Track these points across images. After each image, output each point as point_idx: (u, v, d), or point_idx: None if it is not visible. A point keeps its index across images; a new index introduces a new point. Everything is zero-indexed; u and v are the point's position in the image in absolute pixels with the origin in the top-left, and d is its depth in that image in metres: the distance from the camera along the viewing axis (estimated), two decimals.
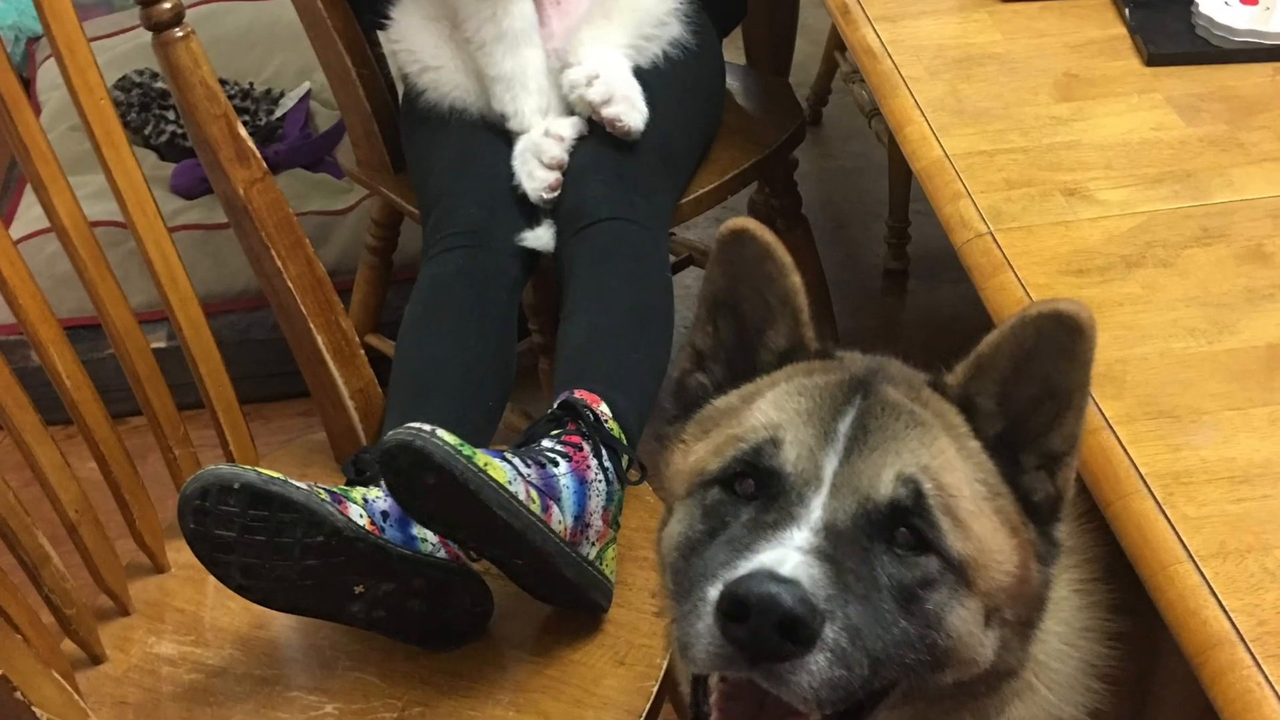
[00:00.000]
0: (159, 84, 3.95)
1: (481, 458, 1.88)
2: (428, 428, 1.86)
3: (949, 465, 1.38)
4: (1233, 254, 1.78)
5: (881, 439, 1.37)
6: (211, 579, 2.07)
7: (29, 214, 3.69)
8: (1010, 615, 1.41)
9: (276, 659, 2.09)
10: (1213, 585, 1.34)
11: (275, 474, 1.87)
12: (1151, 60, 2.13)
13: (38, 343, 2.02)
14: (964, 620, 1.36)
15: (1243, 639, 1.30)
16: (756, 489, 1.39)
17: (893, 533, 1.34)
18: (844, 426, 1.38)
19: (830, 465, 1.36)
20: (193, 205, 3.78)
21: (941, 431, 1.40)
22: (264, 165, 2.18)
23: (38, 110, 4.14)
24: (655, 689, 1.97)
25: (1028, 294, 1.73)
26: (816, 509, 1.33)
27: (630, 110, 2.58)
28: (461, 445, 1.87)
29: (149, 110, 3.95)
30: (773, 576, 1.24)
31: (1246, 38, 2.11)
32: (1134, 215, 1.85)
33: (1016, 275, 1.76)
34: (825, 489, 1.35)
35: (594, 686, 1.99)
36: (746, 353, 1.52)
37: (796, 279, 1.46)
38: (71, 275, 2.09)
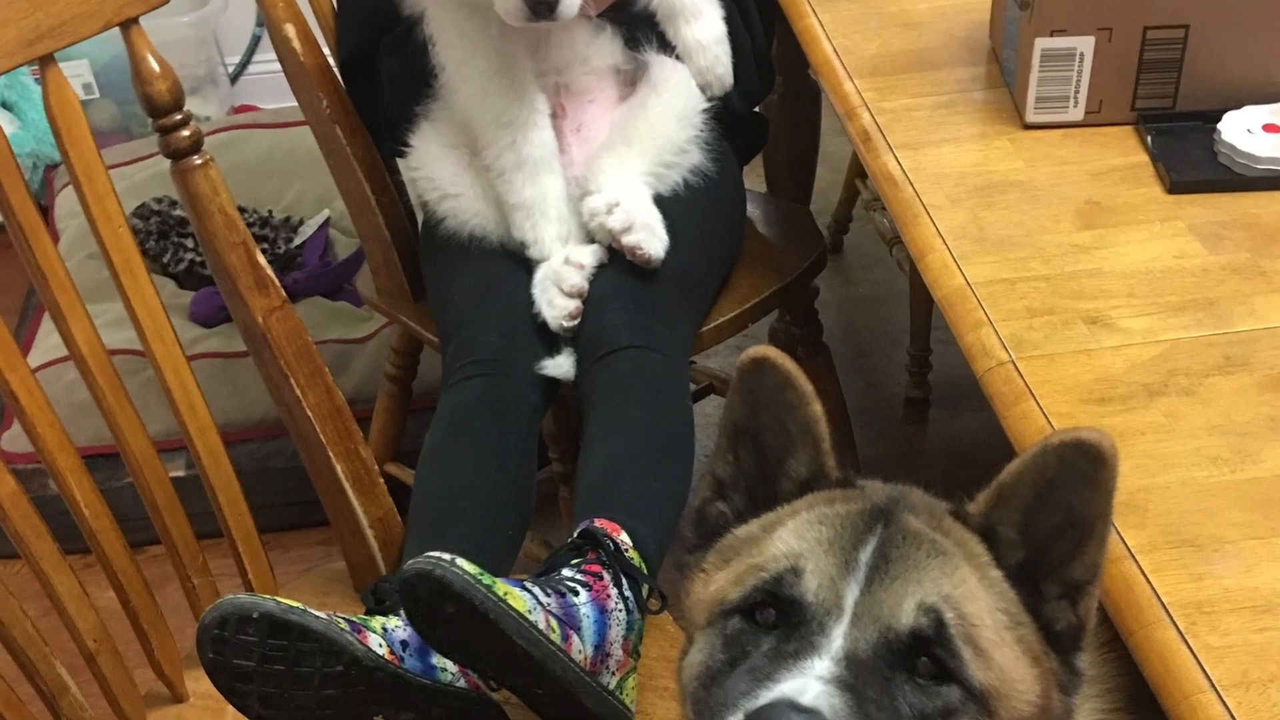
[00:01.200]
0: (178, 211, 3.99)
1: (501, 587, 1.90)
2: (447, 557, 1.88)
3: (971, 594, 1.39)
4: (1255, 382, 1.79)
5: (903, 568, 1.38)
6: (230, 709, 2.10)
7: (47, 342, 3.73)
8: None
9: None
10: (1235, 715, 1.36)
11: (294, 603, 1.89)
12: (1174, 188, 2.15)
13: (56, 471, 2.04)
14: None
15: None
16: (778, 618, 1.39)
17: (914, 662, 1.35)
18: (865, 555, 1.39)
19: (851, 594, 1.37)
20: (211, 333, 3.82)
21: (963, 560, 1.41)
22: (283, 293, 2.21)
23: (56, 238, 4.16)
24: None
25: (1050, 423, 1.74)
26: (838, 638, 1.34)
27: (651, 238, 2.60)
28: (481, 574, 1.89)
29: (168, 238, 4.00)
30: (793, 706, 1.25)
31: (1269, 165, 2.13)
32: (1156, 343, 1.87)
33: (1038, 404, 1.77)
34: (846, 618, 1.35)
35: None
36: (767, 481, 1.53)
37: (817, 407, 1.47)
38: (90, 403, 2.11)
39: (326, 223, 4.25)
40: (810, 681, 1.28)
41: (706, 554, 1.55)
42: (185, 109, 2.10)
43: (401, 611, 2.00)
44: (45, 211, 4.44)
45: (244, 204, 4.03)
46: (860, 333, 4.30)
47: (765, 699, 1.27)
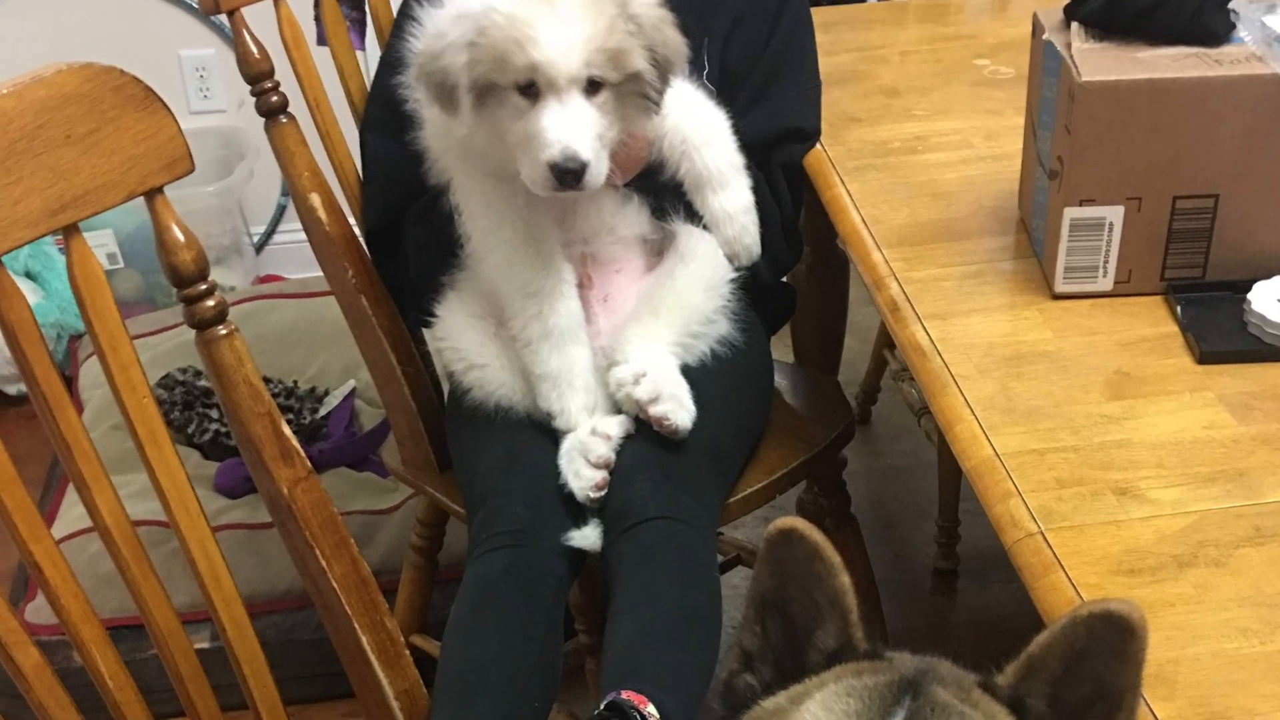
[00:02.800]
0: (202, 381, 4.04)
1: None
2: None
3: None
4: None
5: None
6: None
7: (71, 513, 3.76)
8: None
9: None
10: None
11: None
12: (1203, 358, 2.18)
13: (80, 643, 2.05)
14: None
15: None
16: None
17: None
18: None
19: None
20: (236, 504, 3.86)
21: None
22: (308, 464, 2.22)
23: (80, 408, 4.24)
24: None
25: (1079, 594, 1.76)
26: None
27: (678, 409, 2.63)
28: None
29: (192, 408, 4.05)
30: None
31: None
32: (1186, 514, 1.89)
33: (1067, 575, 1.80)
34: None
35: None
36: (795, 653, 1.51)
37: (845, 579, 1.47)
38: (114, 574, 2.12)
39: (352, 393, 4.30)
40: None
41: None
42: (210, 279, 2.11)
43: None
44: (70, 381, 4.51)
45: (269, 374, 4.09)
46: (888, 504, 4.33)
47: None
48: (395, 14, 3.06)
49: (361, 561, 2.26)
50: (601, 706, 2.24)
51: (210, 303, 2.09)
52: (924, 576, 3.98)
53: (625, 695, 2.23)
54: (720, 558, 3.28)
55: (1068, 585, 1.79)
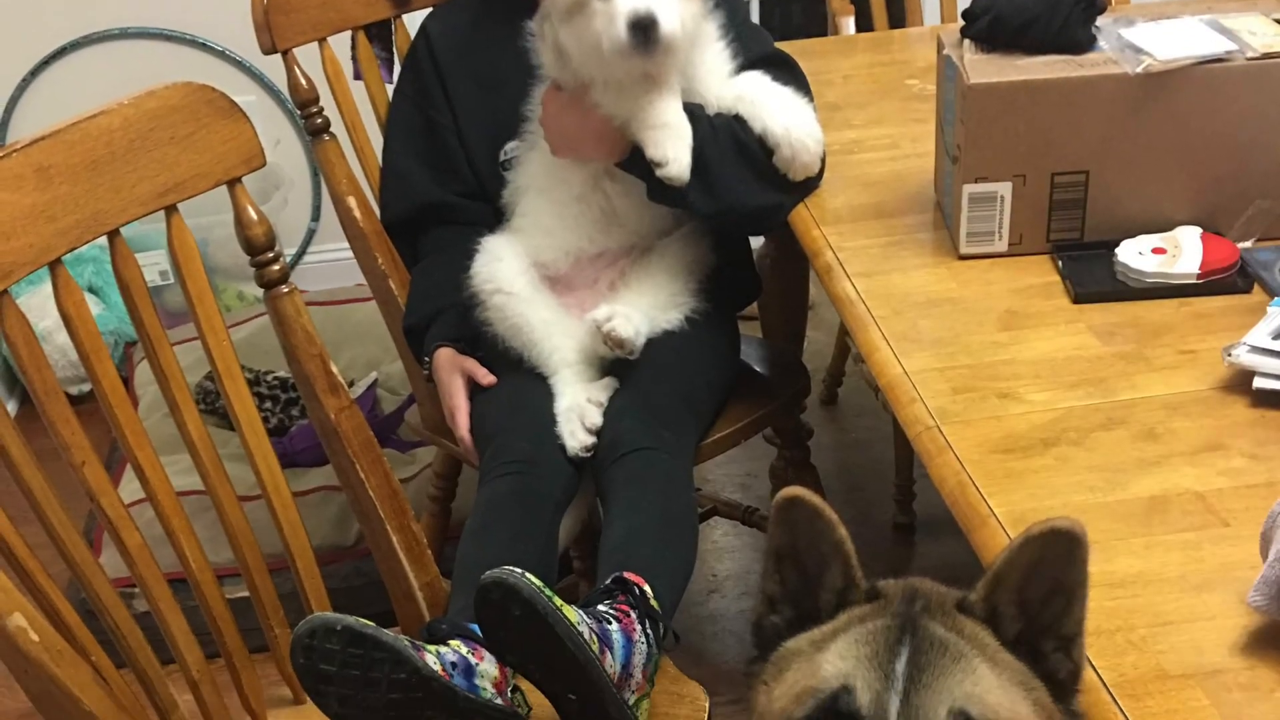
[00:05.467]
0: (248, 375, 4.27)
1: (558, 600, 2.18)
2: (518, 570, 2.17)
3: (990, 687, 1.51)
4: (1130, 435, 2.09)
5: (932, 676, 1.50)
6: None
7: (128, 488, 3.79)
8: None
9: None
10: (1089, 655, 1.64)
11: (369, 622, 2.16)
12: (1078, 299, 2.47)
13: (145, 587, 2.32)
14: None
15: (1108, 687, 1.64)
16: None
17: None
18: (900, 666, 1.51)
19: (894, 706, 1.48)
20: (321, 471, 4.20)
21: (977, 656, 1.54)
22: (351, 395, 2.50)
23: (135, 403, 4.49)
24: None
25: (964, 468, 2.04)
26: None
27: (625, 324, 2.90)
28: (544, 587, 2.17)
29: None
30: None
31: (1155, 279, 2.45)
32: (1054, 410, 2.16)
33: (956, 455, 2.08)
34: None
35: None
36: (809, 594, 1.65)
37: (843, 531, 1.60)
38: (163, 537, 2.37)
39: (375, 383, 4.58)
40: None
41: (764, 666, 1.67)
42: (276, 248, 2.45)
43: (450, 643, 2.29)
44: (126, 381, 4.79)
45: None
46: (853, 471, 4.62)
47: None
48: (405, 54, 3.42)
49: (393, 476, 2.55)
50: (607, 581, 2.49)
51: (276, 267, 2.44)
52: (885, 532, 4.27)
53: (626, 574, 2.48)
54: (700, 509, 3.59)
55: (955, 462, 2.07)
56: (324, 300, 5.11)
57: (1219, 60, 2.52)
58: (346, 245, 3.41)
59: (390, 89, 3.45)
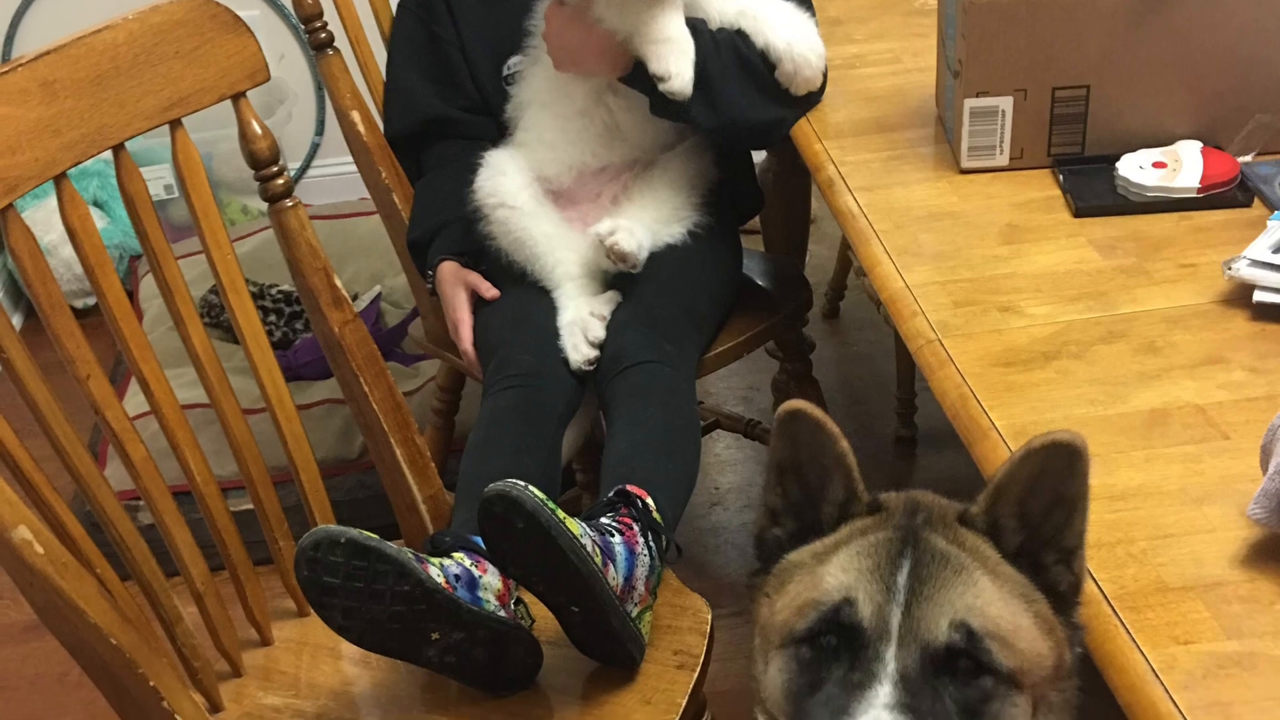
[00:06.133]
0: (252, 288, 4.25)
1: (561, 513, 2.18)
2: (521, 483, 2.16)
3: (991, 599, 1.53)
4: (1130, 348, 2.08)
5: (933, 589, 1.52)
6: (308, 647, 2.41)
7: (133, 401, 3.99)
8: (1053, 697, 1.58)
9: (363, 706, 2.36)
10: (1089, 568, 1.65)
11: (373, 535, 2.16)
12: (1078, 213, 2.46)
13: (150, 500, 2.31)
14: (1015, 717, 1.52)
15: (1109, 600, 1.64)
16: (839, 642, 1.53)
17: (953, 665, 1.49)
18: (902, 578, 1.52)
19: (895, 618, 1.50)
20: (326, 384, 4.19)
21: (978, 568, 1.55)
22: (355, 309, 2.49)
23: (140, 316, 4.55)
24: None
25: (965, 380, 2.03)
26: (890, 661, 1.48)
27: (628, 238, 2.91)
28: (547, 500, 2.17)
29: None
30: None
31: (1155, 193, 2.44)
32: (1054, 324, 2.16)
33: (957, 368, 2.07)
34: (894, 641, 1.49)
35: None
36: (811, 507, 1.67)
37: (845, 444, 1.62)
38: (168, 450, 2.36)
39: (378, 297, 4.57)
40: (879, 713, 1.43)
41: (767, 578, 1.69)
42: (280, 162, 2.42)
43: (453, 555, 2.29)
44: (131, 295, 4.81)
45: None
46: (855, 384, 4.62)
47: None
48: None
49: (396, 389, 2.54)
50: (611, 494, 2.48)
51: (280, 181, 2.41)
52: (887, 445, 4.27)
53: (629, 487, 2.48)
54: (702, 423, 3.57)
55: (957, 375, 2.06)
56: (328, 214, 5.09)
57: None
58: (350, 159, 3.39)
59: (394, 3, 3.44)
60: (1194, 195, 2.45)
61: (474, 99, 3.30)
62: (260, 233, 4.91)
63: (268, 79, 2.41)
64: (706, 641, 2.40)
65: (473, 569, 2.27)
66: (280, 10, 5.46)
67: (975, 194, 2.60)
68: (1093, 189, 2.52)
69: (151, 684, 1.95)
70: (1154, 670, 1.52)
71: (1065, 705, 1.61)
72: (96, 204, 5.13)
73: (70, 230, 2.18)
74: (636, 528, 2.40)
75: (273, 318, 4.40)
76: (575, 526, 2.21)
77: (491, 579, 2.28)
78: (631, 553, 2.34)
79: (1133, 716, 1.51)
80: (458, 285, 3.13)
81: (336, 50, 3.25)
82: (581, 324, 2.94)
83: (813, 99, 3.03)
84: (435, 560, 2.25)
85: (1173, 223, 2.43)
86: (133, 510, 2.46)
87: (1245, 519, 1.68)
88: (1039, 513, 1.58)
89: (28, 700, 3.70)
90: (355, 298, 4.50)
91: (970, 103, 2.60)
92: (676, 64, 2.87)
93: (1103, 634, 1.61)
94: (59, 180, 2.14)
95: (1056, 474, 1.54)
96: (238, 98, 2.36)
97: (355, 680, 2.42)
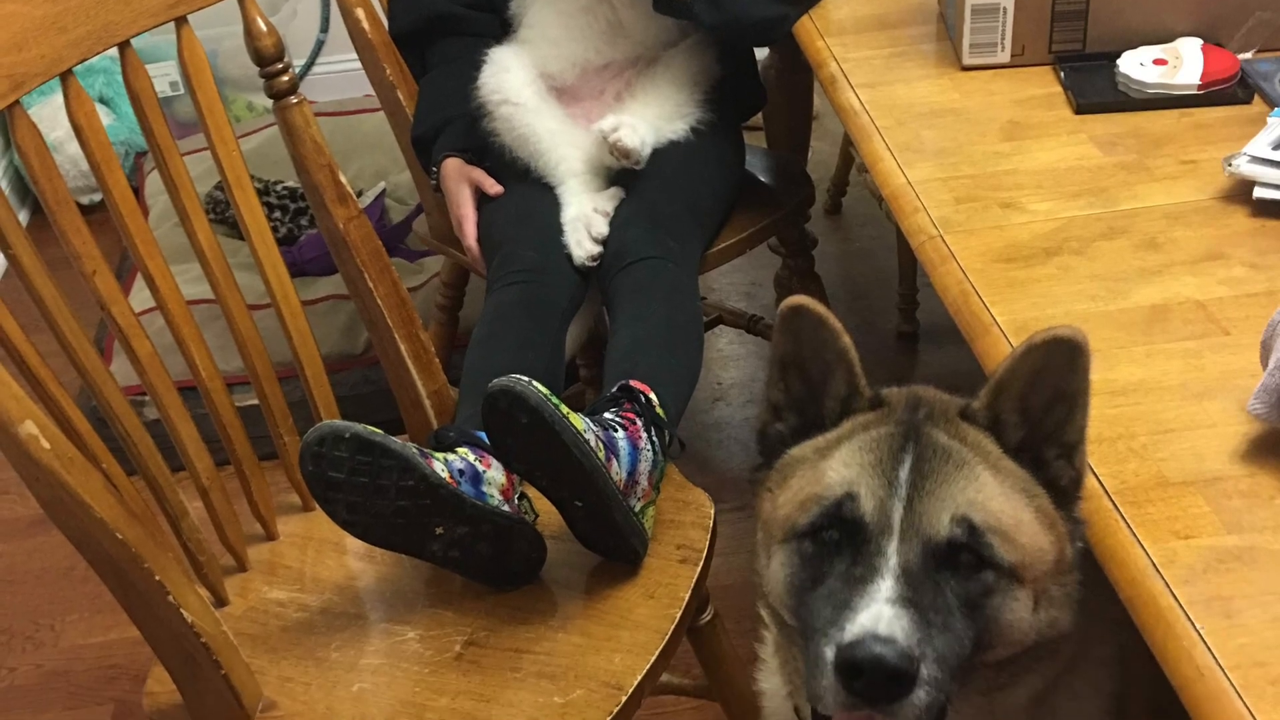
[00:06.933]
0: (258, 184, 4.28)
1: (564, 408, 2.17)
2: (525, 378, 2.14)
3: (992, 494, 1.55)
4: (1131, 244, 2.07)
5: (935, 483, 1.54)
6: (313, 542, 2.41)
7: (138, 296, 4.01)
8: (1054, 591, 1.59)
9: (367, 600, 2.36)
10: (1090, 463, 1.64)
11: (377, 430, 2.15)
12: (1080, 109, 2.43)
13: (155, 395, 2.30)
14: (1015, 611, 1.54)
15: (1109, 494, 1.62)
16: (841, 537, 1.54)
17: (955, 559, 1.51)
18: (904, 473, 1.54)
19: (897, 513, 1.51)
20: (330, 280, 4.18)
21: (980, 463, 1.57)
22: (360, 205, 2.47)
23: (146, 212, 4.54)
24: (678, 616, 2.22)
25: (966, 276, 2.02)
26: (892, 555, 1.49)
27: (631, 134, 2.90)
28: (551, 395, 2.15)
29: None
30: (874, 637, 1.41)
31: (1156, 90, 2.42)
32: (1056, 220, 2.14)
33: (959, 264, 2.05)
34: (896, 535, 1.50)
35: (628, 614, 2.23)
36: (814, 402, 1.68)
37: (847, 339, 1.63)
38: (174, 346, 2.35)
39: (383, 193, 4.54)
40: (881, 607, 1.44)
41: (769, 473, 1.70)
42: (285, 59, 2.39)
43: (457, 450, 2.27)
44: (136, 191, 4.78)
45: None
46: (857, 280, 4.60)
47: (851, 633, 1.42)
48: None
49: (401, 285, 2.52)
50: (614, 389, 2.47)
51: (285, 78, 2.39)
52: (889, 340, 4.27)
53: (632, 382, 2.47)
54: (705, 318, 3.57)
55: (958, 270, 2.05)
56: (332, 111, 5.08)
57: None
58: (355, 56, 3.36)
59: None
60: (1194, 92, 2.43)
61: None
62: (265, 129, 4.89)
63: None
64: (709, 536, 2.39)
65: (477, 464, 2.26)
66: None
67: (976, 91, 2.57)
68: (1094, 86, 2.50)
69: (157, 578, 1.94)
70: (1154, 564, 1.51)
71: (1066, 599, 1.62)
72: (102, 101, 5.12)
73: (76, 127, 2.15)
74: (640, 423, 2.38)
75: (278, 214, 4.38)
76: (579, 421, 2.19)
77: (495, 474, 2.27)
78: (635, 447, 2.32)
79: (1133, 610, 1.50)
80: (462, 181, 3.11)
81: None
82: (585, 220, 2.94)
83: None
84: (439, 455, 2.24)
85: (1173, 119, 2.41)
86: (138, 405, 2.44)
87: (1245, 414, 1.67)
88: (1040, 408, 1.58)
89: (34, 594, 3.72)
90: (360, 194, 4.49)
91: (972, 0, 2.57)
92: None
93: (1103, 528, 1.59)
94: (65, 77, 2.11)
95: (1057, 369, 1.54)
96: None
97: (360, 575, 2.42)
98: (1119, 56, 2.51)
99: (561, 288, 2.87)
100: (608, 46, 3.12)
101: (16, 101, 2.02)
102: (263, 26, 2.34)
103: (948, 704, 1.54)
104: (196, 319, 2.38)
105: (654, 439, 2.39)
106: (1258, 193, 2.12)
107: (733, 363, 4.26)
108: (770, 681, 1.99)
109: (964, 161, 2.35)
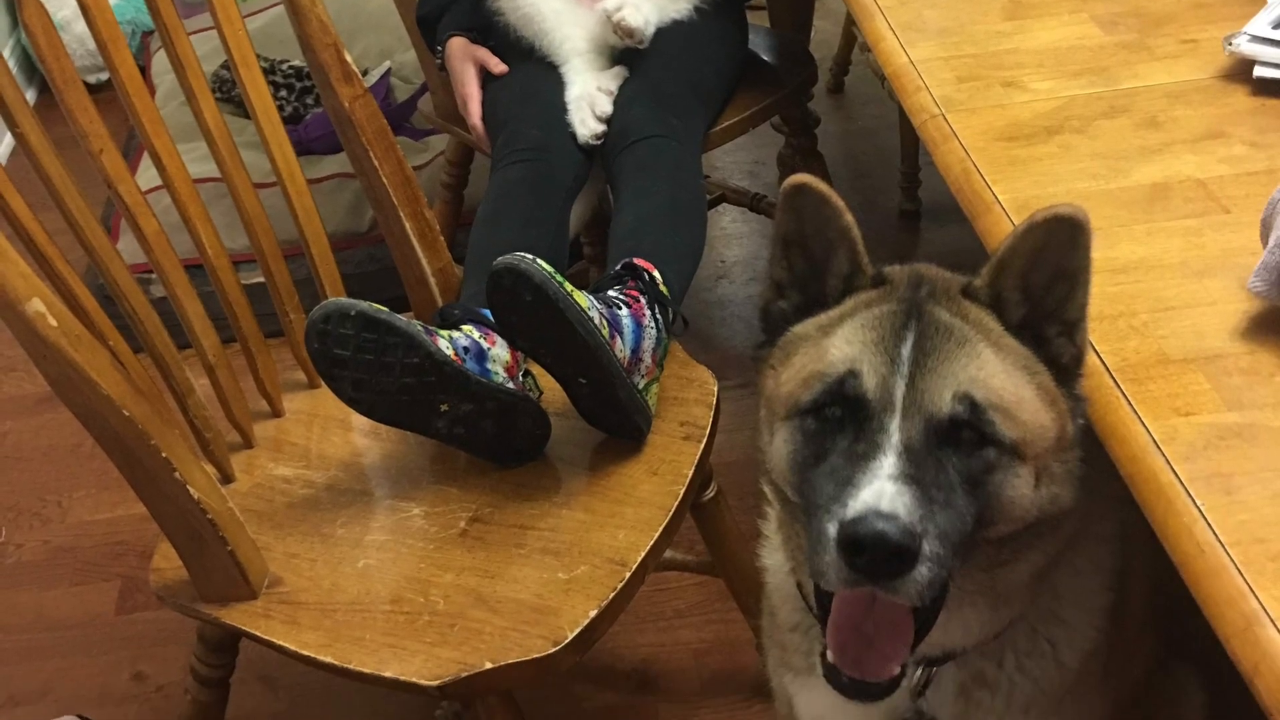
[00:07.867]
0: (263, 64, 4.24)
1: (568, 285, 2.16)
2: (529, 256, 2.14)
3: (994, 371, 1.54)
4: (1132, 123, 2.04)
5: (937, 361, 1.53)
6: (319, 419, 2.41)
7: (145, 175, 3.85)
8: (1056, 468, 1.59)
9: (372, 477, 2.37)
10: (1091, 340, 1.63)
11: (383, 307, 2.14)
12: None
13: (162, 273, 2.31)
14: (1017, 488, 1.54)
15: (1110, 372, 1.62)
16: (843, 414, 1.54)
17: (957, 436, 1.51)
18: (906, 351, 1.53)
19: (899, 390, 1.51)
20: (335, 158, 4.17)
21: (981, 340, 1.56)
22: (365, 84, 2.45)
23: (152, 91, 4.49)
24: (681, 492, 2.24)
25: (968, 154, 2.00)
26: (894, 432, 1.48)
27: (635, 13, 2.88)
28: (555, 273, 2.15)
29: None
30: (877, 514, 1.41)
31: None
32: (1057, 99, 2.12)
33: (960, 142, 2.04)
34: (898, 412, 1.50)
35: (632, 490, 2.25)
36: (816, 280, 1.67)
37: (850, 217, 1.61)
38: (180, 224, 2.35)
39: (388, 72, 4.53)
40: (883, 484, 1.44)
41: (772, 350, 1.70)
42: None
43: (462, 327, 2.27)
44: (143, 70, 4.74)
45: None
46: (859, 158, 4.59)
47: (853, 510, 1.42)
48: None
49: (406, 163, 2.51)
50: (618, 267, 2.47)
51: None
52: (891, 219, 4.27)
53: (636, 261, 2.46)
54: (708, 196, 3.55)
55: (960, 149, 2.03)
56: None
57: None
58: None
59: None
60: None
61: None
62: (272, 8, 4.86)
63: None
64: (712, 413, 2.40)
65: (481, 341, 2.25)
66: None
67: None
68: None
69: (164, 455, 1.94)
70: (1155, 441, 1.50)
71: (1067, 476, 1.62)
72: None
73: (83, 6, 2.14)
74: (643, 300, 2.38)
75: (283, 93, 4.36)
76: (582, 299, 2.19)
77: (500, 351, 2.27)
78: (638, 325, 2.32)
79: (1134, 487, 1.50)
80: (466, 60, 3.09)
81: None
82: (589, 99, 2.92)
83: None
84: (444, 332, 2.24)
85: None
86: (145, 283, 2.42)
87: (1245, 292, 1.66)
88: (1041, 286, 1.57)
89: (41, 470, 3.74)
90: (365, 73, 4.42)
91: None
92: None
93: (1104, 405, 1.59)
94: None
95: (1059, 247, 1.53)
96: None
97: (365, 451, 2.43)
98: None
99: (566, 166, 2.86)
100: None
101: None
102: None
103: (950, 580, 1.54)
104: (203, 197, 2.37)
105: (658, 316, 2.38)
106: (1258, 71, 2.10)
107: (736, 241, 4.25)
108: (773, 558, 1.99)
109: (966, 40, 2.32)
